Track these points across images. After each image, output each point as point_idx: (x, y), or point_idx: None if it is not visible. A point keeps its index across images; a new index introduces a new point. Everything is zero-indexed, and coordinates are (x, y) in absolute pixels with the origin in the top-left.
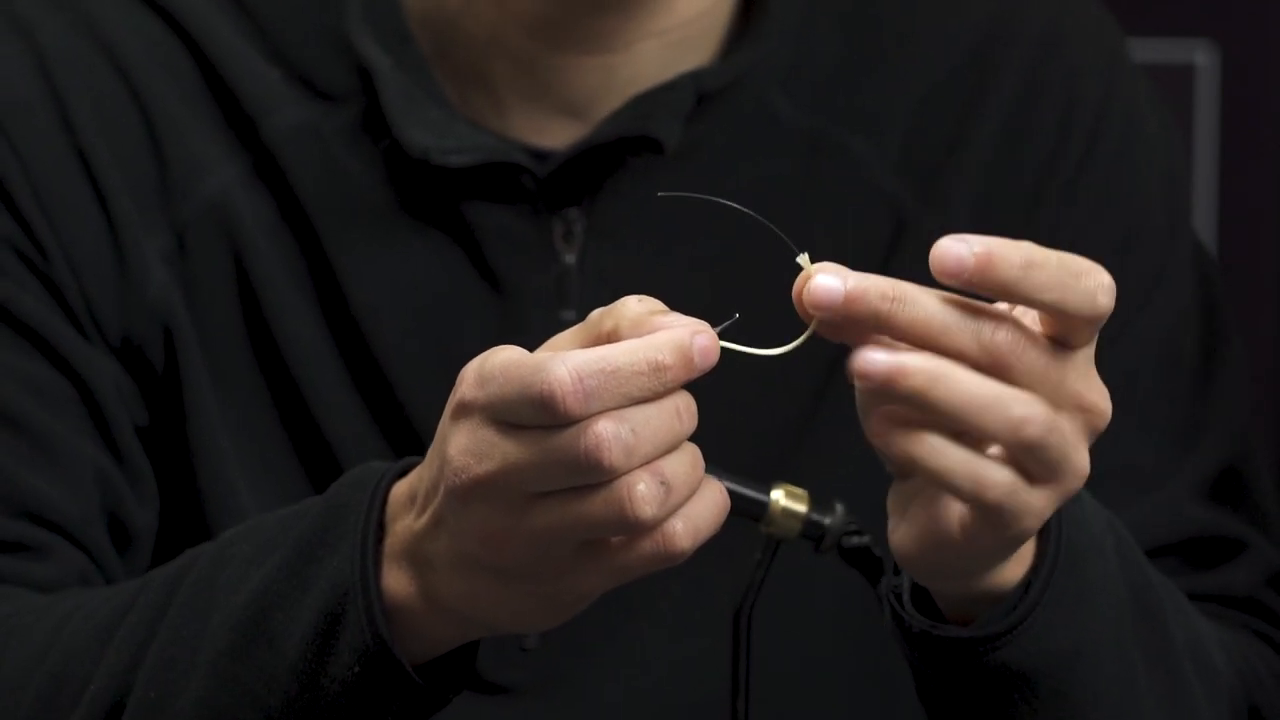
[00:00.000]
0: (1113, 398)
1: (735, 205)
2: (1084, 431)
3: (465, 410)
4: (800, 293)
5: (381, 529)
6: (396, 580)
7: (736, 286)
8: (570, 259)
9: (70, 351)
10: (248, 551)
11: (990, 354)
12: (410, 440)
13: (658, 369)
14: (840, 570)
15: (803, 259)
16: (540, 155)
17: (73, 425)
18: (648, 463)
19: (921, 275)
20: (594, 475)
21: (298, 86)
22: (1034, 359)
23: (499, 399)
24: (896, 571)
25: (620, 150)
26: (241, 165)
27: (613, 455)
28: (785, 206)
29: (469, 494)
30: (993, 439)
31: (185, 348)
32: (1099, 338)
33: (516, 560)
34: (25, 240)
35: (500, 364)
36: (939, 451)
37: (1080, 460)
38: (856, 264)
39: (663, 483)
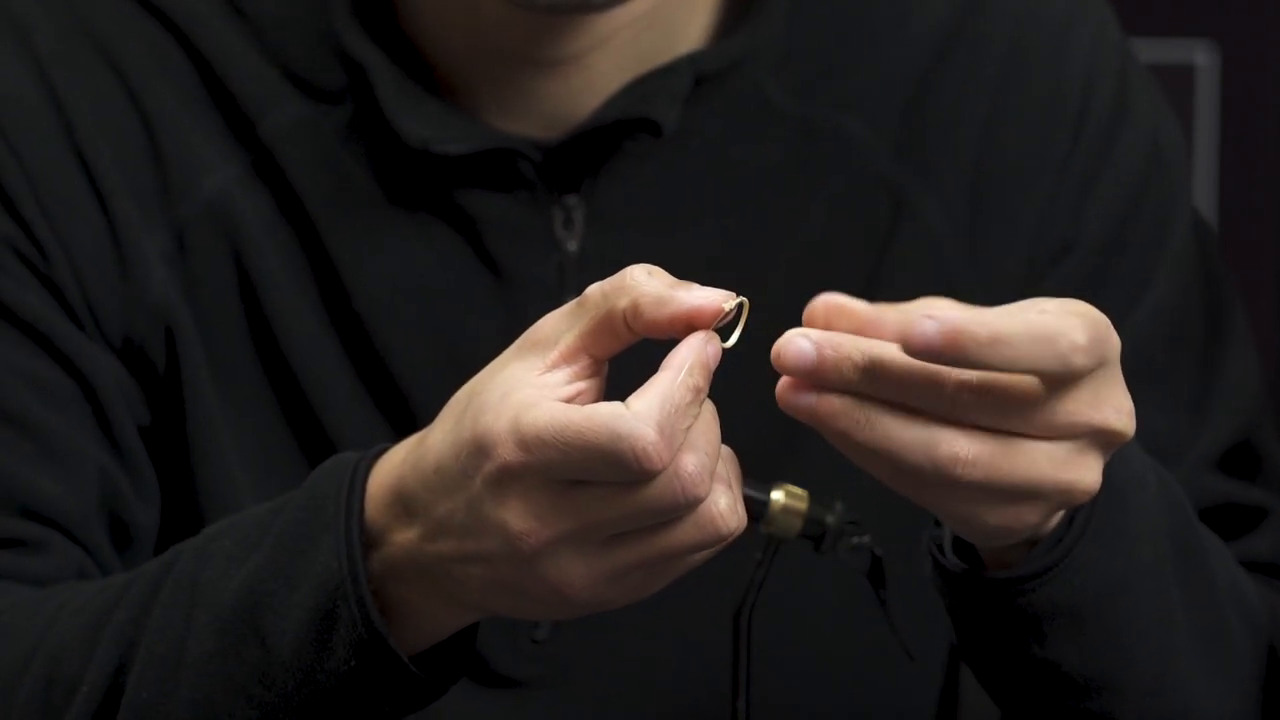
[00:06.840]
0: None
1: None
2: (1088, 451)
3: (512, 475)
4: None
5: (363, 518)
6: (404, 590)
7: (737, 268)
8: (572, 246)
9: (72, 350)
10: (228, 548)
11: (959, 413)
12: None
13: (698, 392)
14: (840, 570)
15: None
16: (536, 146)
17: (75, 423)
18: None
19: (920, 255)
20: (688, 510)
21: (294, 85)
22: (1006, 409)
23: (559, 464)
24: (938, 524)
25: (617, 134)
26: (240, 163)
27: (704, 487)
28: (781, 191)
29: (541, 553)
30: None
31: (186, 347)
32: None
33: (590, 592)
34: (26, 241)
35: (548, 427)
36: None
37: (1073, 478)
38: (855, 247)
39: (730, 488)
